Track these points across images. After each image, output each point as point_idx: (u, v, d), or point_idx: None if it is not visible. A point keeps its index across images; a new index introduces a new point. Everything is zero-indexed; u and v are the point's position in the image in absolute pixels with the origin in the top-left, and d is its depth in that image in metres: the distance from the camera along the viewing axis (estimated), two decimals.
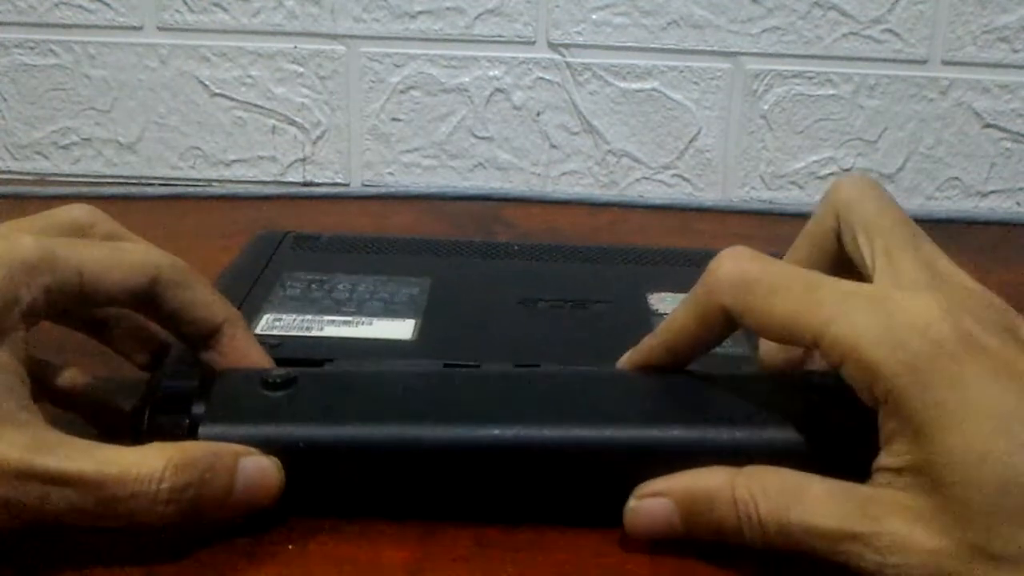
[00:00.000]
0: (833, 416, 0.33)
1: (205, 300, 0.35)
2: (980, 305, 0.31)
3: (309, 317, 0.43)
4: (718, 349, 0.40)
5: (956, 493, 0.28)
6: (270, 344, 0.40)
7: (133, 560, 0.32)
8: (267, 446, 0.33)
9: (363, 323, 0.43)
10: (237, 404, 0.34)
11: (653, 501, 0.32)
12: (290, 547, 0.33)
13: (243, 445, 0.33)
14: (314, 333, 0.41)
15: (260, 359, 0.37)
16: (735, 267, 0.33)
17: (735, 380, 0.36)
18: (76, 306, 0.34)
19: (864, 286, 0.32)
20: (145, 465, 0.30)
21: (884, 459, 0.30)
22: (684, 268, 0.51)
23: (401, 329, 0.42)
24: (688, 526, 0.32)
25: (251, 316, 0.43)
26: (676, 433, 0.33)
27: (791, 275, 0.32)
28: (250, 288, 0.46)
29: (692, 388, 0.36)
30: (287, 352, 0.39)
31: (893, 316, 0.30)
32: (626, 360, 0.37)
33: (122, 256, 0.34)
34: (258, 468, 0.32)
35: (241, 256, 0.51)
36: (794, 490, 0.30)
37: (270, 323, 0.42)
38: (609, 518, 0.33)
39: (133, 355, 0.39)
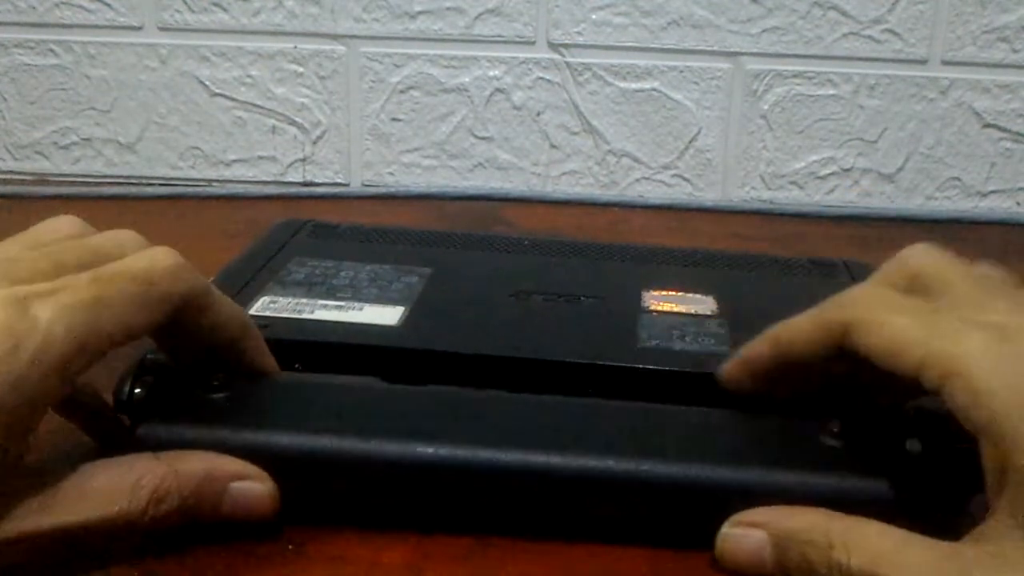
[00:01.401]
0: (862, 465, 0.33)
1: (221, 321, 0.35)
2: None
3: (304, 301, 0.44)
4: (695, 346, 0.41)
5: None
6: (260, 325, 0.40)
7: (131, 560, 0.32)
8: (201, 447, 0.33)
9: (353, 308, 0.43)
10: (173, 403, 0.35)
11: (748, 531, 0.32)
12: (289, 547, 0.33)
13: (245, 463, 0.33)
14: (304, 316, 0.42)
15: (267, 368, 0.37)
16: (868, 287, 0.33)
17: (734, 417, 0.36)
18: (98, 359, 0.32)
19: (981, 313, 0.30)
20: (124, 499, 0.31)
21: (1002, 506, 0.28)
22: (682, 268, 0.51)
23: (389, 315, 0.43)
24: (778, 562, 0.31)
25: (250, 296, 0.44)
26: (670, 470, 0.33)
27: (914, 302, 0.32)
28: (258, 270, 0.47)
29: (710, 423, 0.36)
30: (274, 333, 0.40)
31: (1007, 340, 0.29)
32: (732, 364, 0.37)
33: (147, 294, 0.32)
34: (246, 494, 0.33)
35: (258, 240, 0.52)
36: (892, 549, 0.29)
37: (265, 304, 0.43)
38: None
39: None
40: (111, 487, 0.31)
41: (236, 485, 0.32)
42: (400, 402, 0.36)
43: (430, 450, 0.33)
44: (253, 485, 0.33)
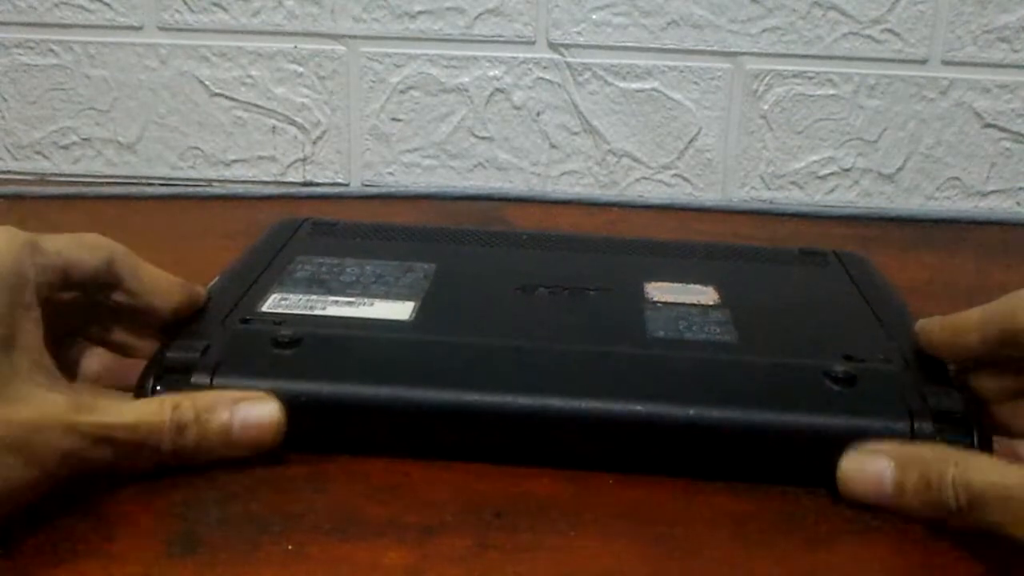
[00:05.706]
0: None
1: (158, 281, 0.39)
2: None
3: (314, 297, 0.45)
4: (703, 335, 0.42)
5: None
6: (273, 322, 0.42)
7: (131, 558, 0.32)
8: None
9: (364, 304, 0.44)
10: (248, 358, 0.39)
11: (874, 456, 0.35)
12: (289, 547, 0.33)
13: (247, 391, 0.37)
14: (316, 312, 0.44)
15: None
16: None
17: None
18: (60, 284, 0.36)
19: None
20: (152, 413, 0.35)
21: None
22: (679, 260, 0.52)
23: (400, 310, 0.44)
24: (898, 483, 0.34)
25: (260, 294, 0.45)
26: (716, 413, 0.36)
27: None
28: (264, 269, 0.48)
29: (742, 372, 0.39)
30: (289, 329, 0.41)
31: None
32: (928, 322, 0.40)
33: (82, 240, 0.37)
34: (254, 411, 0.36)
35: (260, 240, 0.53)
36: (989, 466, 0.33)
37: (276, 301, 0.44)
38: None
39: (126, 340, 0.41)
40: (142, 402, 0.36)
41: (244, 403, 0.36)
42: (464, 354, 0.39)
43: (501, 398, 0.37)
44: (259, 404, 0.37)
